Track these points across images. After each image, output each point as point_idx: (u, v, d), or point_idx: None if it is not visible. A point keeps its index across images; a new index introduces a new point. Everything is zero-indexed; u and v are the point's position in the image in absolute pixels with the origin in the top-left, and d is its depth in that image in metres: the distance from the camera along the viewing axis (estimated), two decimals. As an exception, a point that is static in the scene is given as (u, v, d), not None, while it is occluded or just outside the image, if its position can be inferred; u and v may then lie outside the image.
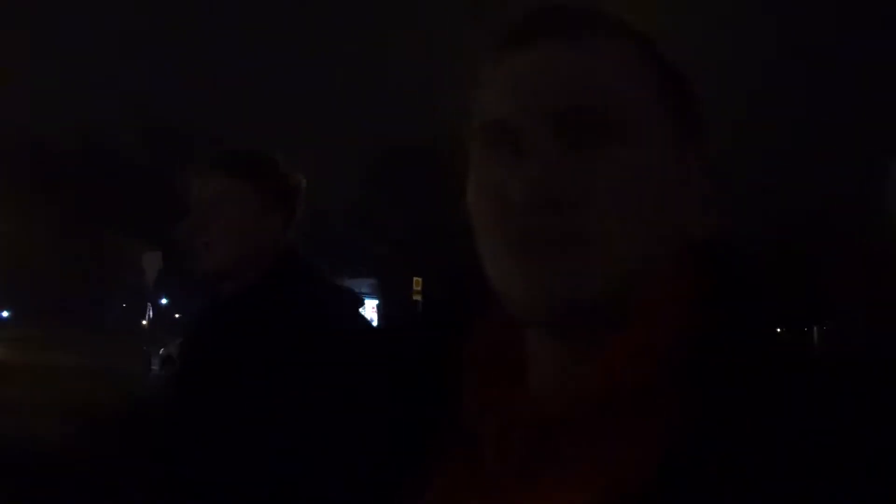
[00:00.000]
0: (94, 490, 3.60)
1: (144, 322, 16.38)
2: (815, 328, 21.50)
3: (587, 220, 0.47)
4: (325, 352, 1.11)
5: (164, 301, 27.29)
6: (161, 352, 15.66)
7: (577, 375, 0.48)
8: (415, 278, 16.44)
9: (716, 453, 0.41)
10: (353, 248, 29.75)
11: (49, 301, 24.90)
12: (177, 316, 25.84)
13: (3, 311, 27.19)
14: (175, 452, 1.24)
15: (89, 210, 25.98)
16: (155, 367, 15.05)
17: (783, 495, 0.38)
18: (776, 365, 0.45)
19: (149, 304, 15.96)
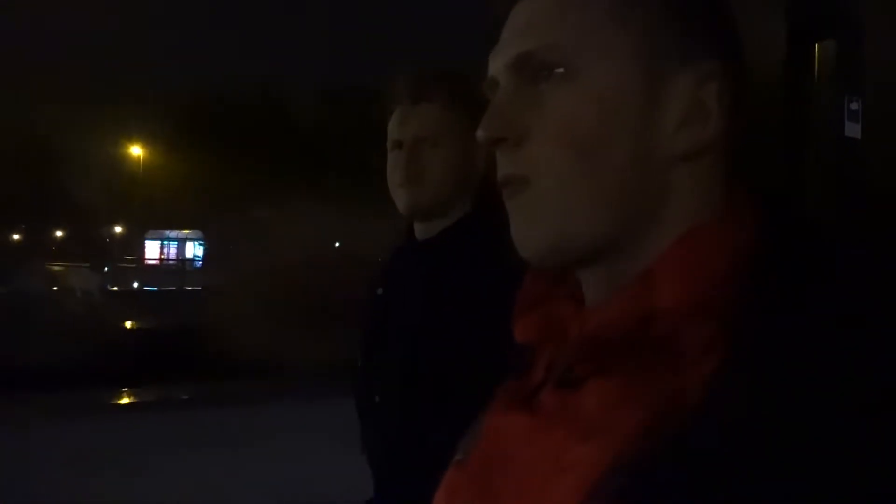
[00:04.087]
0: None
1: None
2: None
3: (538, 157, 0.48)
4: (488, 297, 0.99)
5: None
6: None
7: (613, 301, 0.48)
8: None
9: (747, 406, 0.39)
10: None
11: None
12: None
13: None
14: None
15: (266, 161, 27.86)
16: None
17: (818, 457, 0.36)
18: (829, 312, 0.42)
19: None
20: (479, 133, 0.51)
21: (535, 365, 0.54)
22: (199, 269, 27.70)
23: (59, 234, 41.49)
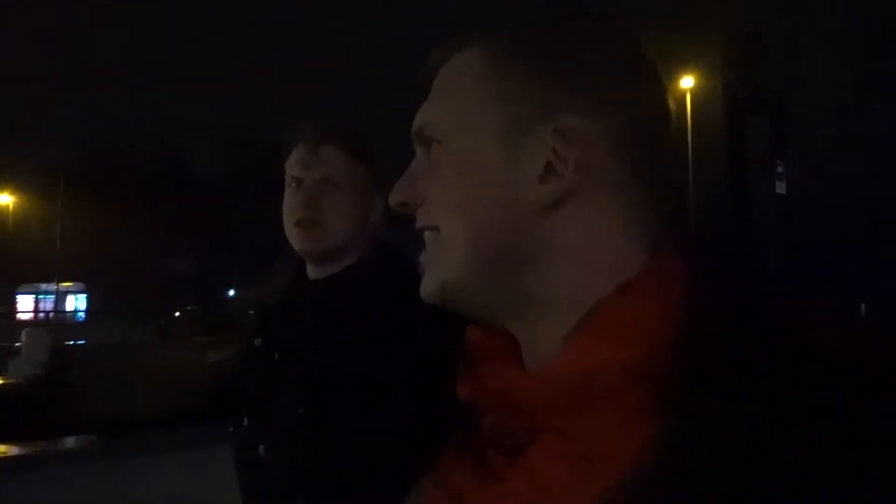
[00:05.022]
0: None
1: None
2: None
3: (428, 215, 0.56)
4: (399, 339, 1.06)
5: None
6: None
7: (550, 366, 0.49)
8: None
9: (694, 451, 0.41)
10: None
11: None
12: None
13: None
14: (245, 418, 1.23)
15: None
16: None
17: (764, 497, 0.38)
18: (771, 352, 0.43)
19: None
20: (390, 198, 0.60)
21: (480, 423, 0.55)
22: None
23: None
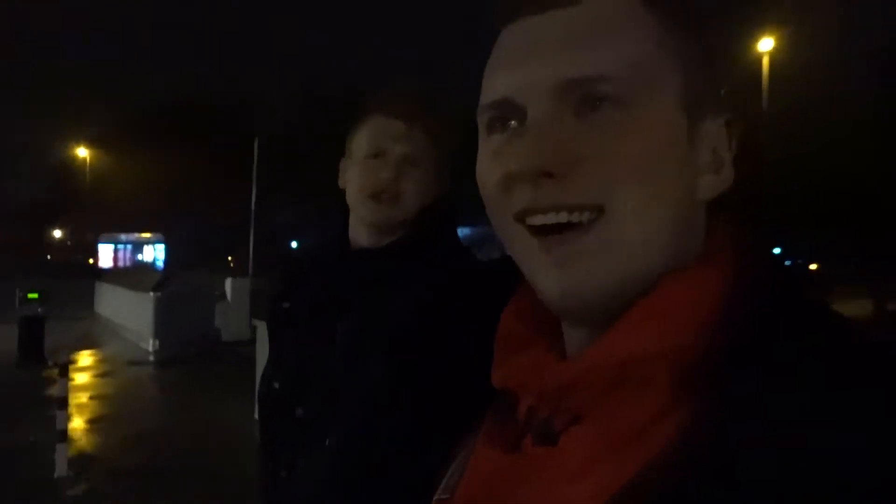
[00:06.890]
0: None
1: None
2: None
3: (610, 185, 0.46)
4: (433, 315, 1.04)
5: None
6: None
7: (588, 352, 0.47)
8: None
9: (717, 444, 0.39)
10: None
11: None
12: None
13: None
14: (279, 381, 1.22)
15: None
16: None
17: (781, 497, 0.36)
18: (810, 355, 0.41)
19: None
20: (522, 165, 0.47)
21: (517, 409, 0.52)
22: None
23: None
